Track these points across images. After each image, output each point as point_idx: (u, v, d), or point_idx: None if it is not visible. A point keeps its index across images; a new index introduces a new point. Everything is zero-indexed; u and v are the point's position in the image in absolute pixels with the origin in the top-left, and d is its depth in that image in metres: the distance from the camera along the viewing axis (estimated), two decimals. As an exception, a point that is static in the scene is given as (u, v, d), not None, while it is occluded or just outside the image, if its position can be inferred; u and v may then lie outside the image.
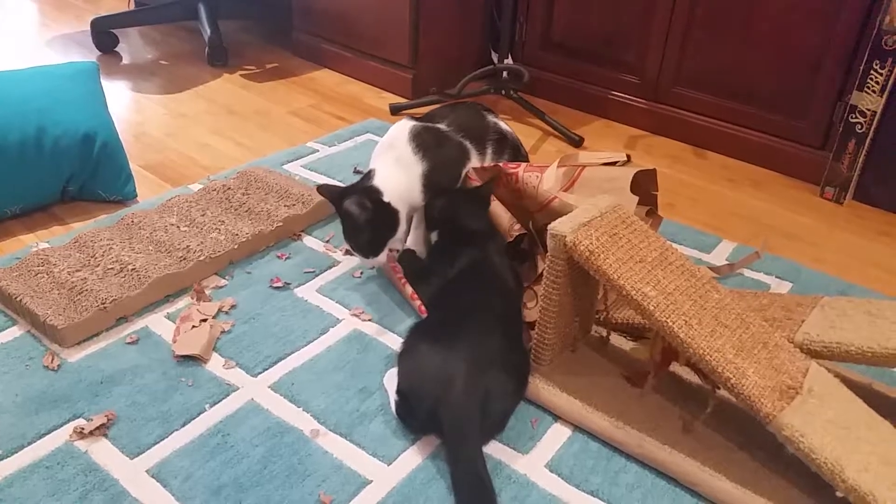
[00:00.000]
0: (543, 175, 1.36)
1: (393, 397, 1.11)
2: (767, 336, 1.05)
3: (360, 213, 1.30)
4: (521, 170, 1.38)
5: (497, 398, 1.05)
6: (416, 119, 1.46)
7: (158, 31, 2.88)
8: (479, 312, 1.14)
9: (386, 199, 1.33)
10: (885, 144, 1.77)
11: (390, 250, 1.38)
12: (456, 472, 0.98)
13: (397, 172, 1.36)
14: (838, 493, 0.91)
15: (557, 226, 1.06)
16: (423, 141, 1.39)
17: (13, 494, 0.96)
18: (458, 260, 1.27)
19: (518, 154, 1.55)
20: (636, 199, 1.30)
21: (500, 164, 1.41)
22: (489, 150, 1.50)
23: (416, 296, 1.33)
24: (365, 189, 1.34)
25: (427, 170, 1.37)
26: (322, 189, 1.37)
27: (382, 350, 1.25)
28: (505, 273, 1.26)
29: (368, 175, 1.37)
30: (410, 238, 1.47)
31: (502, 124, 1.55)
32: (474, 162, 1.46)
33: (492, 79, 2.25)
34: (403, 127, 1.41)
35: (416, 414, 1.06)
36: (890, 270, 1.58)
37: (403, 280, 1.36)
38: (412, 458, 1.05)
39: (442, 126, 1.45)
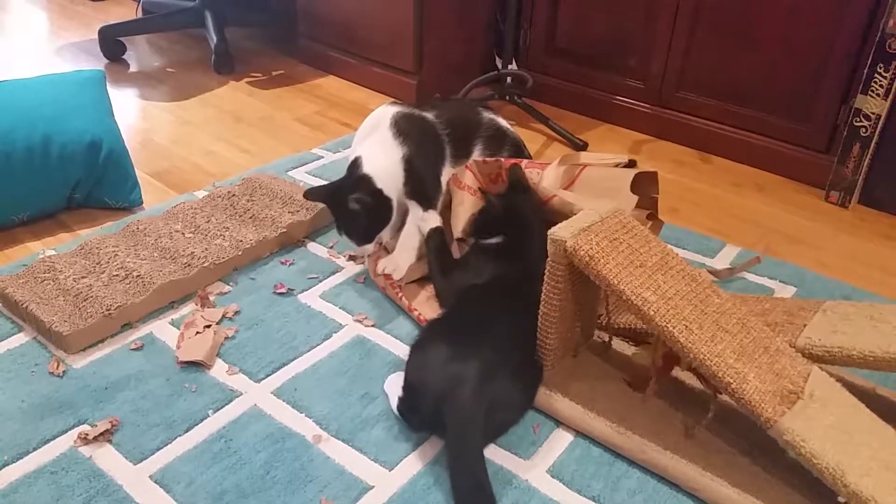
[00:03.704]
0: (544, 172, 1.36)
1: (394, 400, 1.11)
2: (769, 340, 1.05)
3: (361, 209, 1.34)
4: (522, 166, 1.38)
5: (501, 409, 1.06)
6: (402, 105, 1.45)
7: (165, 39, 2.90)
8: (504, 323, 1.13)
9: (379, 186, 1.36)
10: (889, 148, 1.76)
11: (378, 243, 1.43)
12: (455, 474, 0.98)
13: (382, 158, 1.38)
14: (840, 499, 0.90)
15: (557, 231, 1.06)
16: (404, 126, 1.39)
17: (18, 500, 0.97)
18: (495, 264, 1.27)
19: (520, 152, 1.54)
20: (635, 198, 1.30)
21: (502, 160, 1.41)
22: (477, 147, 1.48)
23: (413, 308, 1.34)
24: (359, 180, 1.36)
25: (407, 154, 1.37)
26: (310, 193, 1.40)
27: (385, 356, 1.25)
28: (537, 290, 1.19)
29: (356, 164, 1.39)
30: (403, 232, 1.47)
31: (501, 121, 1.53)
32: (446, 168, 1.44)
33: (496, 84, 2.26)
34: (386, 112, 1.42)
35: (420, 408, 1.06)
36: (895, 274, 1.57)
37: (400, 294, 1.37)
38: (414, 463, 1.05)
39: (428, 115, 1.44)
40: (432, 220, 1.39)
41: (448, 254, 1.37)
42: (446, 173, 1.44)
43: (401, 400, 1.10)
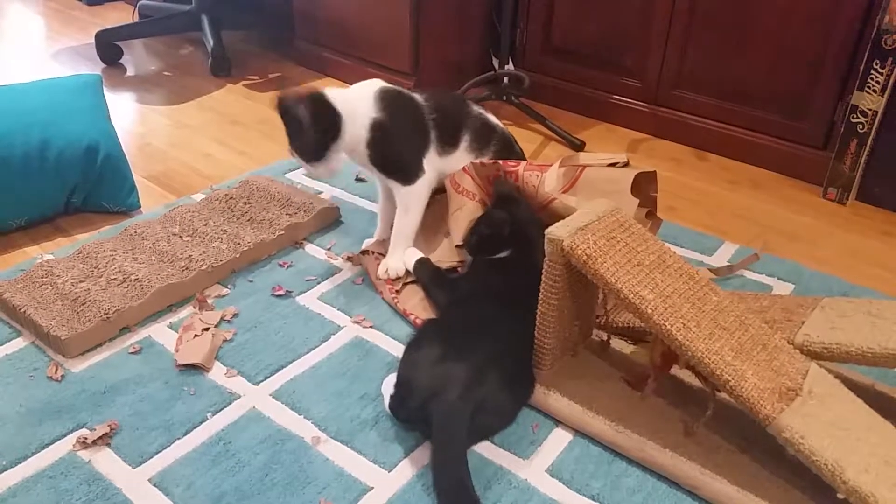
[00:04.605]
0: (544, 175, 1.36)
1: (388, 399, 1.11)
2: (767, 338, 1.05)
3: (298, 108, 1.29)
4: (521, 168, 1.38)
5: (488, 413, 1.05)
6: (394, 86, 1.43)
7: (162, 43, 2.90)
8: (500, 328, 1.13)
9: (337, 107, 1.32)
10: (887, 144, 1.76)
11: (364, 252, 1.44)
12: (439, 474, 0.98)
13: (352, 107, 1.34)
14: (839, 495, 0.90)
15: (555, 230, 1.06)
16: (388, 98, 1.37)
17: (17, 504, 0.97)
18: (502, 276, 1.26)
19: (511, 148, 1.53)
20: (637, 201, 1.30)
21: (500, 162, 1.41)
22: (465, 138, 1.46)
23: (410, 312, 1.34)
24: (317, 98, 1.32)
25: (380, 119, 1.34)
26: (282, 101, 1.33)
27: (383, 356, 1.25)
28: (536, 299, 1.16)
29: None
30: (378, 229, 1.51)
31: (491, 117, 1.52)
32: (431, 154, 1.42)
33: (493, 84, 2.26)
34: (375, 83, 1.40)
35: (407, 405, 1.06)
36: (893, 270, 1.57)
37: (396, 299, 1.37)
38: (413, 465, 1.05)
39: (416, 97, 1.43)
40: (413, 254, 1.40)
41: (443, 277, 1.36)
42: (431, 159, 1.42)
43: (391, 396, 1.10)
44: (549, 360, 1.15)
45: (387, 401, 1.11)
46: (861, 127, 1.75)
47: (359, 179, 1.85)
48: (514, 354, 1.13)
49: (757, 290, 1.46)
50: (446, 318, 1.26)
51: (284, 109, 1.32)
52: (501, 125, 1.54)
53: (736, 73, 1.98)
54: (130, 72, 2.63)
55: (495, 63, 2.46)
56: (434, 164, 1.43)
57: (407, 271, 1.41)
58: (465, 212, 1.39)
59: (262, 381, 1.20)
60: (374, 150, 1.36)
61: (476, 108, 1.51)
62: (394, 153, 1.38)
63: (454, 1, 2.35)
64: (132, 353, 1.25)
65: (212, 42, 2.56)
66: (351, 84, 1.32)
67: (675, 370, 1.14)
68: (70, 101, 1.66)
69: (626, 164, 1.38)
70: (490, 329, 1.13)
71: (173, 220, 1.55)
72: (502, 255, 1.30)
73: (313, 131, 1.30)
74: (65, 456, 1.05)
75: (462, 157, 1.46)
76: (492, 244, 1.31)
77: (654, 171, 1.35)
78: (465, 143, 1.47)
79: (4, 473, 1.02)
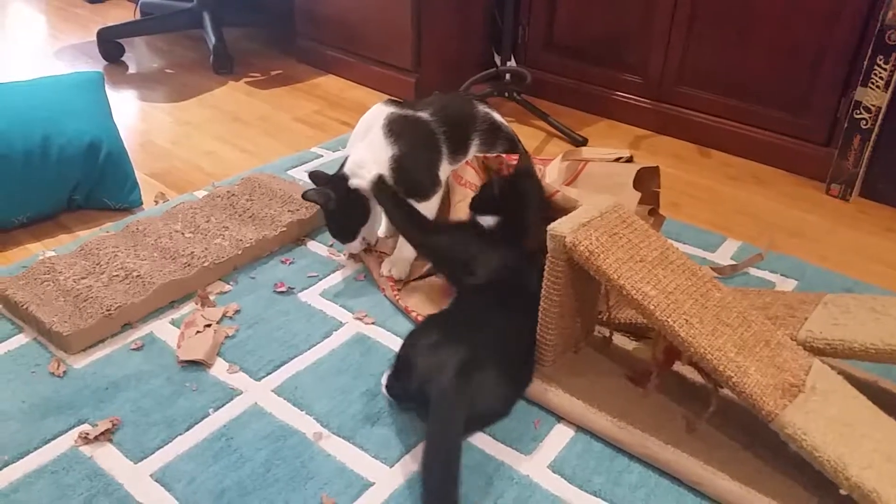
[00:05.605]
0: (546, 168, 1.36)
1: (384, 378, 1.12)
2: (770, 334, 1.04)
3: (324, 203, 1.38)
4: None
5: (486, 400, 1.06)
6: (398, 104, 1.45)
7: (164, 41, 2.90)
8: (501, 318, 1.13)
9: (353, 184, 1.37)
10: (890, 140, 1.76)
11: (366, 244, 1.45)
12: (429, 457, 0.97)
13: (368, 157, 1.38)
14: (842, 491, 0.90)
15: (557, 226, 1.06)
16: (397, 128, 1.39)
17: (19, 499, 0.97)
18: (485, 244, 1.26)
19: (514, 147, 1.53)
20: (638, 195, 1.30)
21: (503, 156, 1.41)
22: (474, 143, 1.47)
23: (411, 310, 1.33)
24: (334, 178, 1.39)
25: (396, 154, 1.37)
26: (313, 175, 1.43)
27: (385, 353, 1.25)
28: (536, 282, 1.14)
29: (344, 162, 1.41)
30: (382, 227, 1.52)
31: (496, 115, 1.52)
32: (444, 164, 1.44)
33: (494, 81, 2.25)
34: (380, 112, 1.42)
35: (405, 385, 1.07)
36: (897, 267, 1.57)
37: (398, 296, 1.37)
38: (414, 460, 1.05)
39: (423, 115, 1.44)
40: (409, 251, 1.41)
41: (407, 203, 1.35)
42: (444, 170, 1.44)
43: (388, 377, 1.11)
44: (551, 356, 1.15)
45: (383, 379, 1.12)
46: (864, 123, 1.74)
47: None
48: (513, 340, 1.13)
49: (760, 285, 1.46)
50: (446, 310, 1.26)
51: (321, 203, 1.39)
52: (506, 123, 1.54)
53: (739, 69, 1.97)
54: (132, 69, 2.63)
55: (497, 60, 2.46)
56: (445, 174, 1.45)
57: (409, 273, 1.41)
58: (466, 203, 1.39)
59: (263, 377, 1.20)
60: (397, 183, 1.39)
61: (482, 109, 1.51)
62: (412, 180, 1.40)
63: (456, -2, 2.35)
64: (134, 349, 1.25)
65: (213, 39, 2.56)
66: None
67: (678, 366, 1.13)
68: (72, 99, 1.65)
69: (629, 160, 1.38)
70: (488, 317, 1.13)
71: (175, 217, 1.55)
72: (492, 220, 1.29)
73: (340, 219, 1.41)
74: (67, 451, 1.05)
75: None
76: (483, 205, 1.31)
77: (657, 167, 1.35)
78: (474, 149, 1.48)
79: (7, 468, 1.02)
